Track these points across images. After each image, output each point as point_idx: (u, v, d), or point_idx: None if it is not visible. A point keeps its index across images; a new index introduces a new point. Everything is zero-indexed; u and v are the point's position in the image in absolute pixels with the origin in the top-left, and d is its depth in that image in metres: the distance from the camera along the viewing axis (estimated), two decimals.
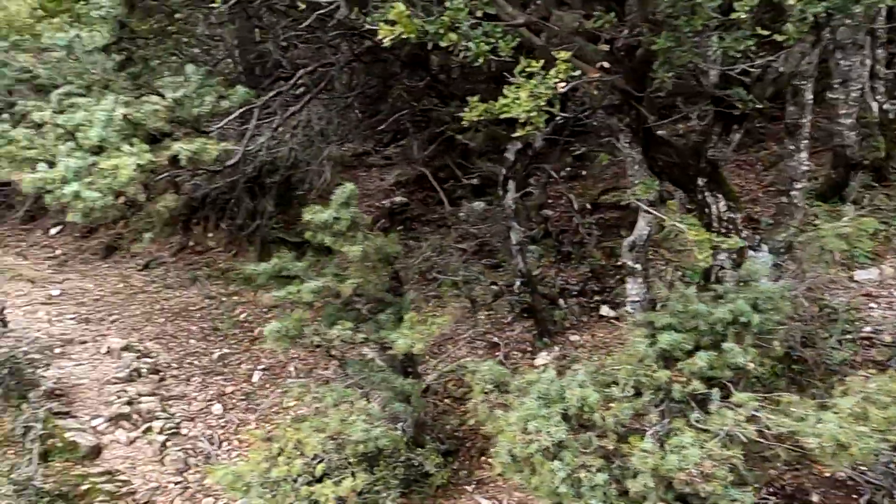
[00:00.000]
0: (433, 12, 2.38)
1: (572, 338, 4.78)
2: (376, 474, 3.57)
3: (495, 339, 4.97)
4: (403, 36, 2.25)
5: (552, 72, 2.24)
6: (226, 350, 6.28)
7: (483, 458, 4.13)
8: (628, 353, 2.90)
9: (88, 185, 2.61)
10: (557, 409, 2.76)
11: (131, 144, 2.65)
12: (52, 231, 9.16)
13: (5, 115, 3.92)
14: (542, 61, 2.26)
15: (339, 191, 2.84)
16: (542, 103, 2.19)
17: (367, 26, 2.85)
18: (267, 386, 5.69)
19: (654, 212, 3.28)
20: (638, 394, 2.91)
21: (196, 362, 6.12)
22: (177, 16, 3.92)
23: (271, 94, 3.31)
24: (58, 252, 8.74)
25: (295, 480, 3.53)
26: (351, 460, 3.58)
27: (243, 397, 5.57)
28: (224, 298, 7.30)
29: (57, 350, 5.82)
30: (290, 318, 3.14)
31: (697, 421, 2.78)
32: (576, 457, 2.70)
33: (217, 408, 5.42)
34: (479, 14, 2.36)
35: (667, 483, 2.71)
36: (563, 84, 2.25)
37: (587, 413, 2.76)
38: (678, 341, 2.87)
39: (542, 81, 2.20)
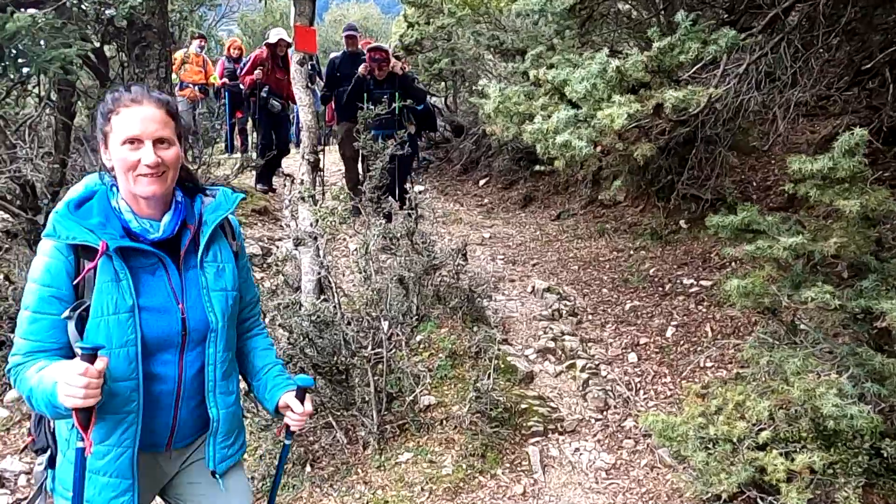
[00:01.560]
0: None
1: None
2: (833, 455, 3.23)
3: None
4: None
5: None
6: (636, 302, 6.40)
7: None
8: None
9: (574, 135, 2.87)
10: None
11: (619, 95, 2.81)
12: (481, 182, 10.55)
13: (479, 78, 4.51)
14: None
15: (843, 137, 2.54)
16: None
17: None
18: (681, 342, 5.64)
19: None
20: None
21: (609, 310, 6.39)
22: None
23: (742, 35, 3.12)
24: (485, 201, 10.04)
25: (739, 442, 3.42)
26: (804, 434, 3.31)
27: (657, 350, 5.62)
28: (632, 252, 7.44)
29: (494, 285, 6.70)
30: (754, 276, 2.98)
31: None
32: None
33: (632, 356, 5.58)
34: None
35: None
36: None
37: None
38: None
39: None
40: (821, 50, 3.66)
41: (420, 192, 10.20)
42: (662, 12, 4.41)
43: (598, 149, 2.98)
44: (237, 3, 18.05)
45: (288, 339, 4.20)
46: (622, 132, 2.92)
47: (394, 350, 4.88)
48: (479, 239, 8.36)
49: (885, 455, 3.20)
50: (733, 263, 6.37)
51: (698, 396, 3.95)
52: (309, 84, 5.11)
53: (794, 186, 2.80)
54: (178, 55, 11.60)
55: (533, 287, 6.77)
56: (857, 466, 3.17)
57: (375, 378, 4.52)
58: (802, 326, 4.04)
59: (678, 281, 6.61)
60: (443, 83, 11.71)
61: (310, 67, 5.32)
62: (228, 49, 12.34)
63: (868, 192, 2.58)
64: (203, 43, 12.28)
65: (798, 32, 3.45)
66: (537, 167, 4.00)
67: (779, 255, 2.80)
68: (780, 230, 3.03)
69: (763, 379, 3.71)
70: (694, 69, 3.19)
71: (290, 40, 9.79)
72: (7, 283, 6.20)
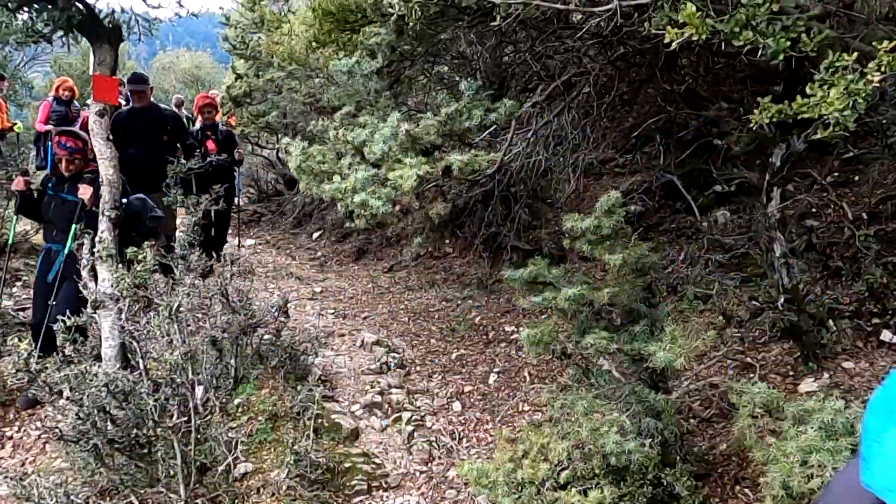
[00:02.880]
0: (726, 11, 2.26)
1: (845, 364, 4.22)
2: (623, 489, 3.49)
3: (749, 360, 4.59)
4: (693, 38, 2.17)
5: (871, 65, 1.99)
6: (463, 351, 6.60)
7: (738, 487, 3.83)
8: None
9: (373, 195, 2.95)
10: (846, 444, 2.46)
11: (411, 157, 2.94)
12: (314, 235, 10.44)
13: (300, 135, 4.53)
14: (854, 54, 2.02)
15: (603, 198, 2.84)
16: (860, 101, 1.95)
17: (631, 32, 2.82)
18: (502, 388, 5.87)
19: None
20: None
21: (436, 360, 6.51)
22: (442, 37, 4.28)
23: (527, 105, 3.43)
24: (318, 254, 9.93)
25: (541, 484, 3.58)
26: (597, 471, 3.55)
27: (480, 397, 5.80)
28: (460, 302, 7.70)
29: (322, 340, 6.59)
30: (543, 325, 3.20)
31: None
32: None
33: (456, 405, 5.70)
34: (774, 9, 2.18)
35: None
36: (878, 79, 1.98)
37: None
38: None
39: (858, 77, 1.96)
40: (600, 118, 4.13)
41: (248, 247, 9.90)
42: (463, 80, 4.72)
43: (398, 208, 3.09)
44: (49, 45, 16.63)
45: (77, 413, 3.81)
46: (419, 192, 3.05)
47: (208, 416, 4.60)
48: (310, 293, 8.22)
49: (665, 483, 3.51)
50: (550, 310, 6.81)
51: (509, 441, 4.10)
52: (110, 137, 4.81)
53: (571, 242, 3.08)
54: None
55: (362, 341, 6.74)
56: (642, 497, 3.44)
57: (183, 448, 4.21)
58: (605, 368, 4.36)
59: (501, 328, 6.92)
60: (275, 136, 11.58)
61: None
62: (57, 89, 10.43)
63: (630, 246, 2.90)
64: (3, 85, 11.02)
65: (577, 102, 3.87)
66: (347, 224, 4.05)
67: (562, 305, 3.03)
68: (566, 281, 3.28)
69: (566, 421, 3.95)
70: (486, 133, 3.45)
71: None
72: None
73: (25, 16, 4.63)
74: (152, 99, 7.61)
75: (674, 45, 2.18)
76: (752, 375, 4.43)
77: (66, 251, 5.17)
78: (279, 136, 11.94)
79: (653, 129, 4.29)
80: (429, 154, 3.04)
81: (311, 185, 3.42)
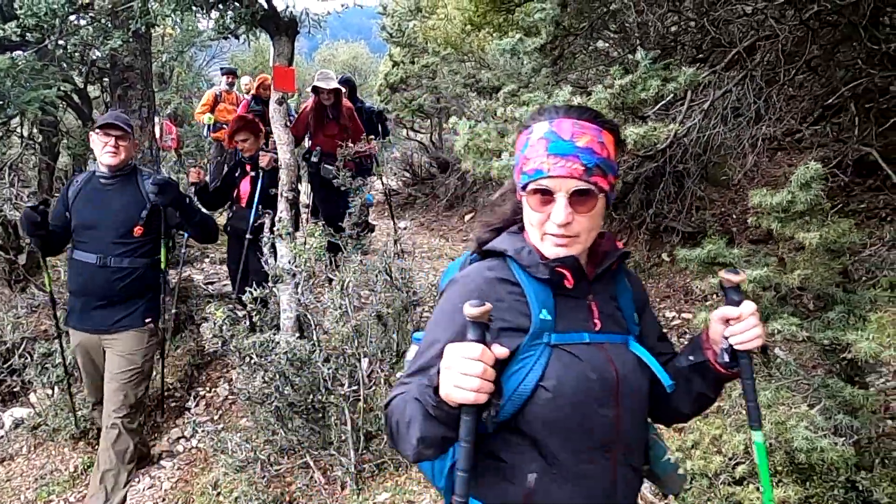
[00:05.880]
0: None
1: None
2: (809, 489, 3.21)
3: None
4: None
5: None
6: None
7: None
8: None
9: None
10: None
11: None
12: (466, 217, 10.59)
13: (453, 118, 4.60)
14: None
15: (799, 170, 2.59)
16: None
17: None
18: None
19: None
20: None
21: None
22: (612, 7, 4.11)
23: (705, 73, 3.19)
24: (471, 236, 10.06)
25: (714, 477, 3.39)
26: (779, 468, 3.29)
27: None
28: None
29: None
30: None
31: None
32: None
33: None
34: None
35: None
36: None
37: None
38: None
39: None
40: (785, 86, 3.75)
41: (403, 229, 10.26)
42: (638, 49, 4.51)
43: None
44: (227, 44, 18.24)
45: (263, 377, 4.16)
46: None
47: (373, 387, 4.84)
48: None
49: (861, 488, 3.17)
50: (715, 296, 6.38)
51: (676, 430, 3.92)
52: (287, 124, 5.18)
53: (758, 219, 2.84)
54: (209, 94, 10.55)
55: None
56: (832, 500, 3.14)
57: (353, 416, 4.47)
58: (781, 358, 4.04)
59: (661, 314, 6.60)
60: (427, 120, 11.86)
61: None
62: (258, 89, 9.69)
63: (829, 224, 2.62)
64: (232, 80, 10.75)
65: (760, 69, 3.54)
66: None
67: (745, 288, 2.80)
68: (748, 263, 3.05)
69: (739, 412, 3.70)
70: (659, 105, 3.25)
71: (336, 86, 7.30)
72: None
73: (216, 14, 5.07)
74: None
75: None
76: None
77: None
78: (432, 120, 12.23)
79: (847, 96, 3.84)
80: None
81: (477, 163, 3.45)
